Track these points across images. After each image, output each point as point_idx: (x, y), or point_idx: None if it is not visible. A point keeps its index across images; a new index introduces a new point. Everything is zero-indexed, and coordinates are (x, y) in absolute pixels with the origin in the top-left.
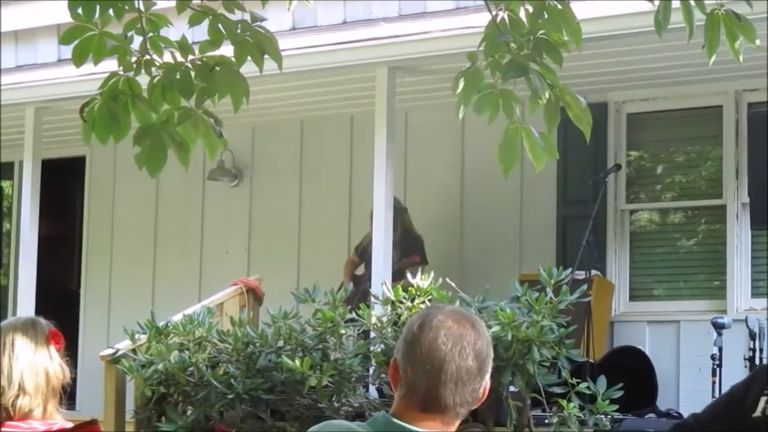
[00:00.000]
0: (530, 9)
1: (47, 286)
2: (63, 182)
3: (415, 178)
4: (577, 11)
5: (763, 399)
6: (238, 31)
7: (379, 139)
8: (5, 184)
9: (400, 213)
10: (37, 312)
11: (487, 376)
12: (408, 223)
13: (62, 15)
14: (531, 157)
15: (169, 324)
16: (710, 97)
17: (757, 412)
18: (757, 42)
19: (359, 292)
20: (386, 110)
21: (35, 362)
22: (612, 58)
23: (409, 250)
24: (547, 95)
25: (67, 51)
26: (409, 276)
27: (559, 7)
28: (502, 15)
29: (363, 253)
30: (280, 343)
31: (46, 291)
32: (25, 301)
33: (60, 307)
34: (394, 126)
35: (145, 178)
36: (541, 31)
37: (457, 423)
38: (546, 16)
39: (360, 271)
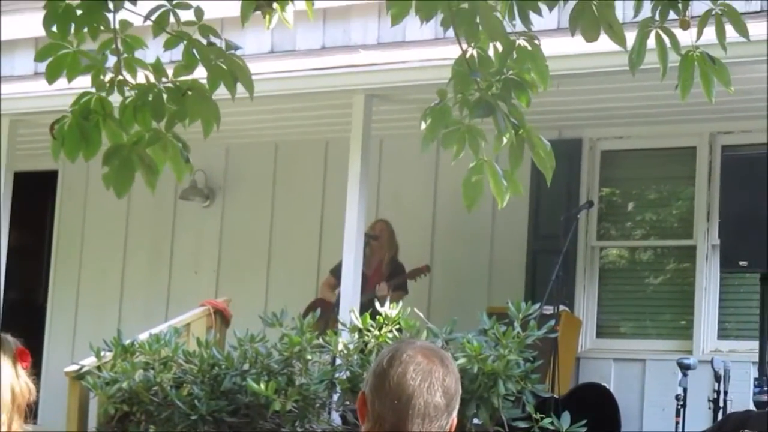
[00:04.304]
0: (499, 48)
1: (14, 299)
2: (35, 195)
3: (388, 205)
4: (553, 48)
5: None
6: (212, 57)
7: (353, 165)
8: None
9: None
10: (3, 325)
11: (455, 413)
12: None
13: (40, 29)
14: (494, 193)
15: (135, 342)
16: (685, 137)
17: None
18: (732, 88)
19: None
20: (361, 137)
21: (1, 380)
22: (588, 96)
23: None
24: (509, 136)
25: (45, 64)
26: (377, 304)
27: (529, 48)
28: (472, 52)
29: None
30: (246, 366)
31: (12, 303)
32: None
33: (26, 321)
34: (369, 153)
35: None
36: (511, 71)
37: None
38: (515, 56)
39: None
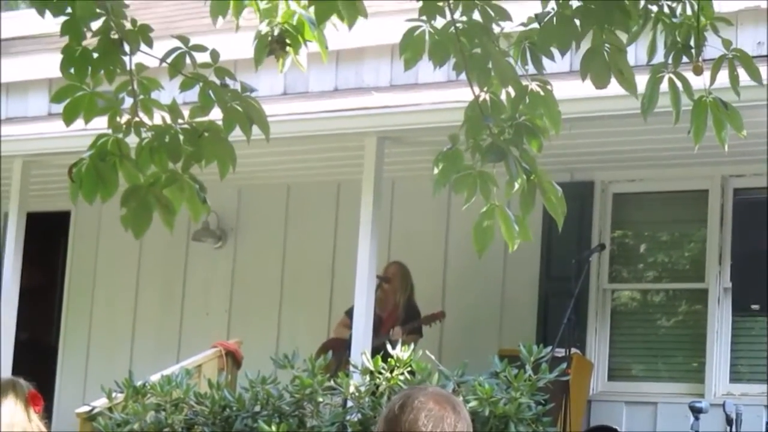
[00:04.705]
0: (512, 92)
1: (26, 339)
2: (47, 235)
3: (400, 247)
4: (565, 91)
5: None
6: (227, 98)
7: (365, 207)
8: None
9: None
10: (15, 364)
11: None
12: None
13: (54, 70)
14: (505, 237)
15: (147, 384)
16: (696, 180)
17: None
18: (744, 133)
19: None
20: (374, 179)
21: (13, 424)
22: (600, 138)
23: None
24: (521, 182)
25: (58, 105)
26: (388, 347)
27: (541, 93)
28: (485, 96)
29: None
30: (257, 408)
31: (24, 343)
32: (3, 354)
33: (37, 361)
34: (381, 195)
35: (129, 236)
36: (523, 117)
37: None
38: (528, 101)
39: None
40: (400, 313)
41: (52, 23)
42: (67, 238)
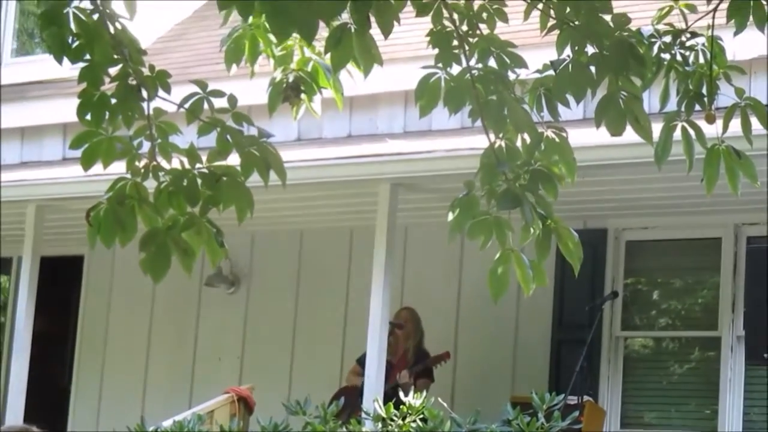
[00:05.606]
0: (527, 139)
1: (39, 383)
2: (60, 279)
3: (412, 293)
4: (578, 138)
5: None
6: (244, 142)
7: (378, 254)
8: (2, 279)
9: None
10: (27, 409)
11: None
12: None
13: (69, 114)
14: (520, 282)
15: (159, 429)
16: (710, 228)
17: None
18: (758, 183)
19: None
20: (387, 226)
21: None
22: (613, 186)
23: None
24: (537, 227)
25: (73, 150)
26: (401, 394)
27: (557, 140)
28: (500, 143)
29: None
30: None
31: (36, 387)
32: (15, 398)
33: (50, 406)
34: (394, 242)
35: (142, 281)
36: (538, 163)
37: None
38: (543, 148)
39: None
40: (410, 358)
41: (67, 68)
42: (80, 283)
